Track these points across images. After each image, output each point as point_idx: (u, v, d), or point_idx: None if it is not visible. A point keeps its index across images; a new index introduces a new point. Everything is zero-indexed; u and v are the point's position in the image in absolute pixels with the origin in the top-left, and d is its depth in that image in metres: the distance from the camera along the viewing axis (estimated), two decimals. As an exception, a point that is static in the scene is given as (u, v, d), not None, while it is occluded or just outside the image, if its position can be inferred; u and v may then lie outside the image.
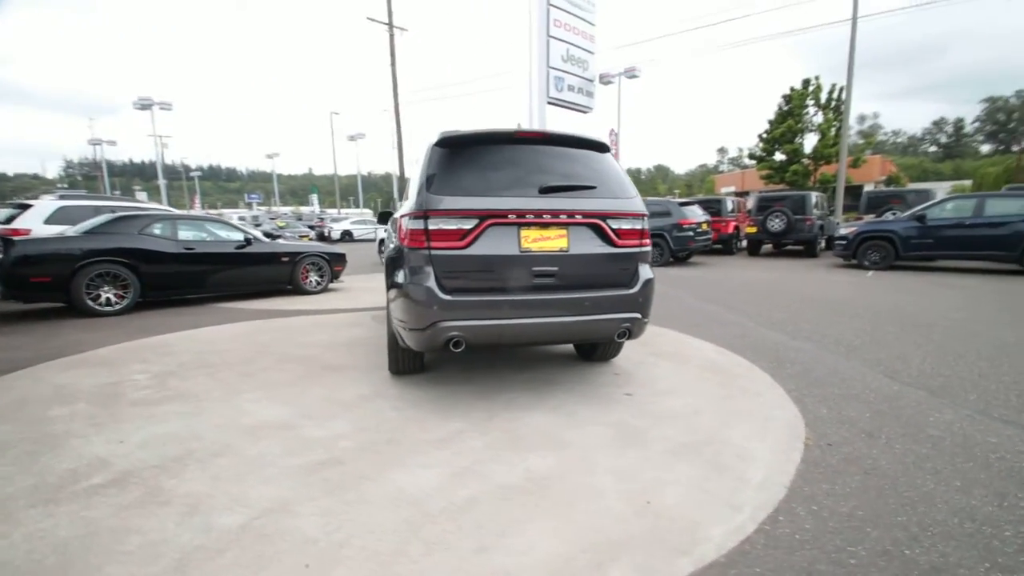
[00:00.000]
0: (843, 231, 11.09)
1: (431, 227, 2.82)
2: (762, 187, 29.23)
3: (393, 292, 3.14)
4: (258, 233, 8.45)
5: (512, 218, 2.86)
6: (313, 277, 8.48)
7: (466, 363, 3.95)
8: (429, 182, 2.90)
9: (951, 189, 31.88)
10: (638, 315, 3.10)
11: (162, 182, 34.34)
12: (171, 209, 12.06)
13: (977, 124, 67.33)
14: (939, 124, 78.23)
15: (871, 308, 6.26)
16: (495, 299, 2.85)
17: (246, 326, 5.68)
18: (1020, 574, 1.63)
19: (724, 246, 14.72)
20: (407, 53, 40.62)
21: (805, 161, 27.04)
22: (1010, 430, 2.70)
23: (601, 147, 3.28)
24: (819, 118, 27.15)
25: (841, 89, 26.77)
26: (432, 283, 2.82)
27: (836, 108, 26.65)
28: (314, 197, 37.07)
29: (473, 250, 2.85)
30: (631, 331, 3.12)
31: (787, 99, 28.14)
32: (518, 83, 16.12)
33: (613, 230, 3.04)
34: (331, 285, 8.89)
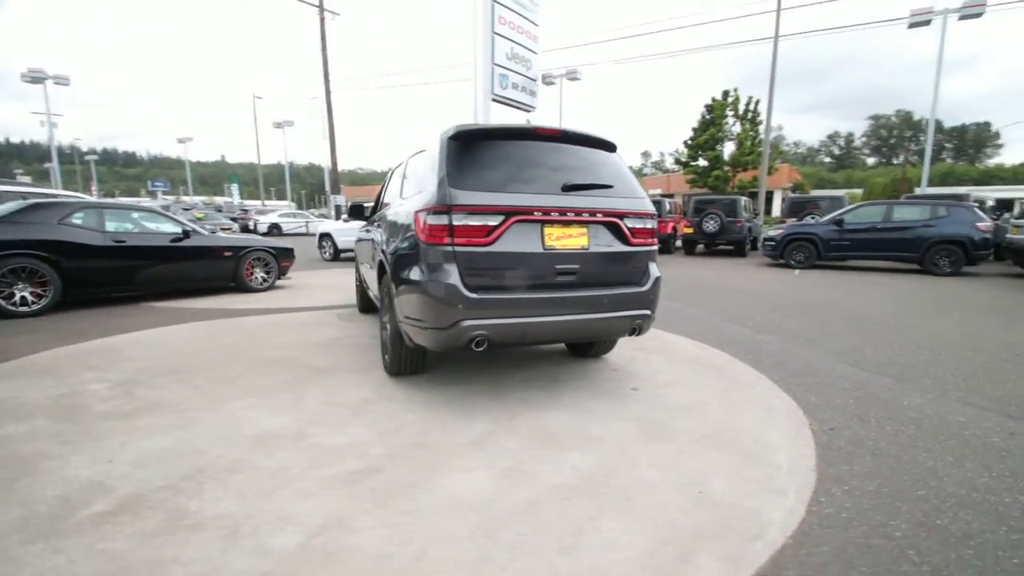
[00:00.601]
0: (771, 233, 12.05)
1: (456, 223, 2.73)
2: (687, 191, 31.09)
3: (404, 289, 3.00)
4: (195, 225, 7.74)
5: (538, 215, 2.84)
6: (259, 273, 7.90)
7: (458, 363, 3.87)
8: (450, 176, 2.80)
9: (847, 197, 35.60)
10: (648, 312, 3.19)
11: (55, 165, 30.30)
12: (84, 196, 10.78)
13: (864, 139, 75.63)
14: (832, 137, 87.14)
15: (811, 303, 6.87)
16: (519, 297, 2.82)
17: (199, 327, 5.19)
18: (1032, 535, 1.87)
19: (663, 246, 15.49)
20: (345, 39, 38.79)
21: (725, 168, 29.04)
22: (971, 410, 3.07)
23: (611, 147, 3.33)
24: (737, 128, 29.27)
25: (757, 102, 29.12)
26: (456, 280, 2.73)
27: (752, 119, 28.90)
28: (234, 187, 34.18)
29: (498, 247, 2.80)
30: (641, 328, 3.20)
31: (709, 109, 30.07)
32: (461, 79, 15.85)
33: (628, 229, 3.10)
34: (278, 282, 8.33)
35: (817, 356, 4.27)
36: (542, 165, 3.00)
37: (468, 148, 2.93)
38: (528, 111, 19.93)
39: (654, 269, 3.28)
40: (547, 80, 22.88)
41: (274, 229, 25.47)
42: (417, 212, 2.86)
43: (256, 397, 3.15)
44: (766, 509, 2.01)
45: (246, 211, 27.72)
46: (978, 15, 14.56)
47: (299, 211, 33.93)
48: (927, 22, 15.42)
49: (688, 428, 2.77)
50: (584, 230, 2.97)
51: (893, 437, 2.70)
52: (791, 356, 4.26)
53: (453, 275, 2.74)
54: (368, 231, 4.86)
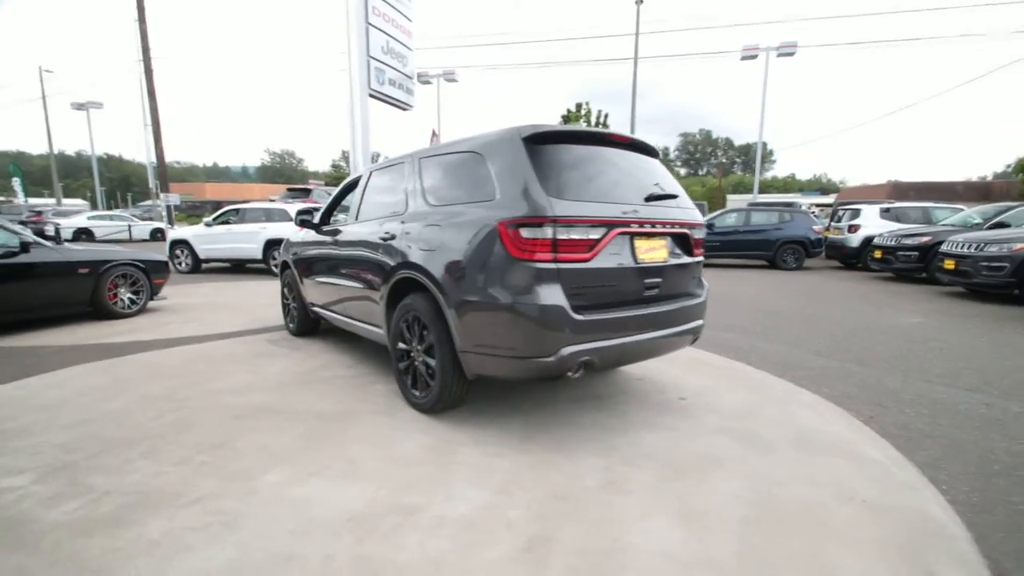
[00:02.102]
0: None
1: (560, 236, 2.41)
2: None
3: (479, 314, 2.56)
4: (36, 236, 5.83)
5: (634, 227, 2.65)
6: (125, 294, 6.24)
7: (477, 390, 3.48)
8: (542, 182, 2.46)
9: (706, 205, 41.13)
10: (703, 321, 3.21)
11: None
12: None
13: (677, 152, 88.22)
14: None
15: (720, 299, 7.69)
16: (619, 316, 2.60)
17: (93, 374, 3.88)
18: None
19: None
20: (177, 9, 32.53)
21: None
22: (940, 388, 3.68)
23: (657, 154, 3.26)
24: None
25: (606, 115, 32.04)
26: (563, 301, 2.41)
27: (603, 130, 31.66)
28: (16, 182, 26.10)
29: (597, 262, 2.54)
30: (698, 337, 3.22)
31: (565, 119, 32.19)
32: (335, 73, 14.91)
33: (693, 240, 3.08)
34: (151, 303, 6.69)
35: (785, 350, 4.76)
36: (616, 173, 2.82)
37: (543, 152, 2.61)
38: (405, 109, 19.14)
39: (704, 279, 3.33)
40: (423, 79, 22.17)
41: (82, 235, 20.41)
42: (504, 223, 2.45)
43: (288, 465, 2.42)
44: (921, 506, 2.13)
45: (39, 212, 21.64)
46: (791, 54, 18.43)
47: (116, 212, 27.81)
48: (754, 56, 18.85)
49: (776, 435, 2.83)
50: (664, 242, 2.87)
51: (923, 419, 3.10)
52: (765, 352, 4.68)
53: (557, 295, 2.42)
54: (335, 242, 4.12)
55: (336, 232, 4.23)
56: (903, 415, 3.16)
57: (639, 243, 2.72)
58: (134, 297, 6.32)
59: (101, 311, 5.98)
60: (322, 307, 4.58)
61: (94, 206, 36.79)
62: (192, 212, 35.83)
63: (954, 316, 6.34)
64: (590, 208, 2.52)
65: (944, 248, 7.92)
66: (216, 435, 2.75)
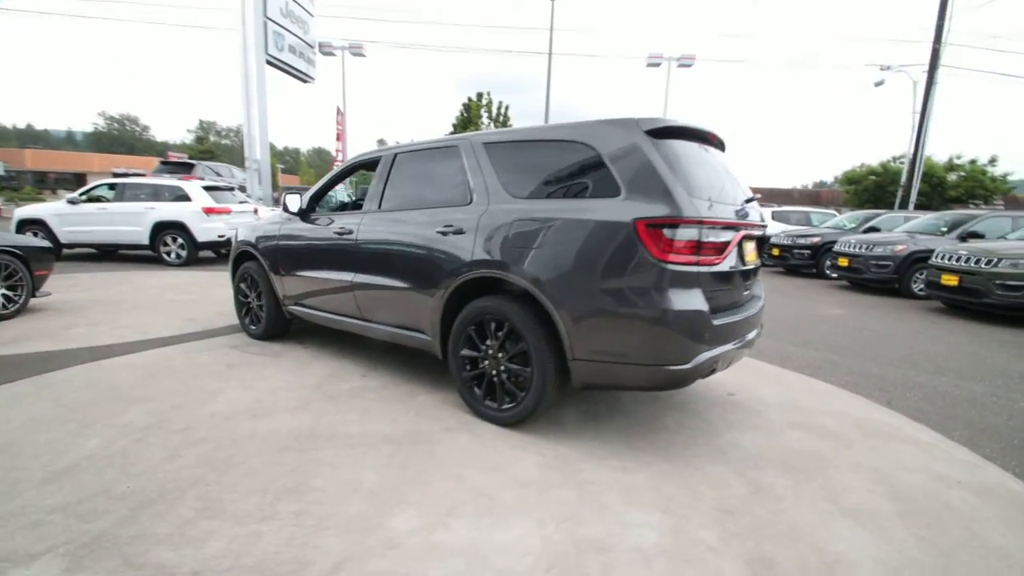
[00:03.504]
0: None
1: (705, 239, 2.30)
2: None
3: (607, 319, 2.35)
4: None
5: (743, 230, 2.63)
6: (-3, 291, 4.82)
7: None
8: (678, 181, 2.33)
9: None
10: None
11: None
12: None
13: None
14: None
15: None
16: (733, 320, 2.56)
17: (20, 404, 2.91)
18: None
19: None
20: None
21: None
22: (927, 376, 4.26)
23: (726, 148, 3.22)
24: (492, 128, 31.87)
25: (507, 107, 32.32)
26: (705, 306, 2.31)
27: (504, 123, 31.91)
28: None
29: (723, 266, 2.48)
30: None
31: (467, 107, 31.89)
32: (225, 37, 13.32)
33: (763, 242, 3.16)
34: (33, 300, 5.25)
35: (768, 343, 5.17)
36: (715, 171, 2.76)
37: (662, 146, 2.46)
38: (306, 81, 17.49)
39: None
40: (326, 51, 20.17)
41: None
42: (643, 222, 2.26)
43: (406, 505, 2.01)
44: (1003, 482, 2.42)
45: None
46: (690, 65, 20.20)
47: None
48: (658, 64, 20.33)
49: (835, 425, 3.04)
50: (754, 244, 2.89)
51: (928, 403, 3.54)
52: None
53: (700, 300, 2.31)
54: (343, 232, 3.54)
55: (334, 220, 3.67)
56: (909, 400, 3.59)
57: (746, 245, 2.71)
58: (10, 294, 4.90)
59: (-39, 313, 4.55)
60: (311, 307, 3.94)
61: None
62: (6, 185, 29.07)
63: (861, 307, 7.44)
64: (720, 209, 2.44)
65: (837, 248, 9.24)
66: (276, 474, 2.20)
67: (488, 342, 2.79)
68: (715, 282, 2.45)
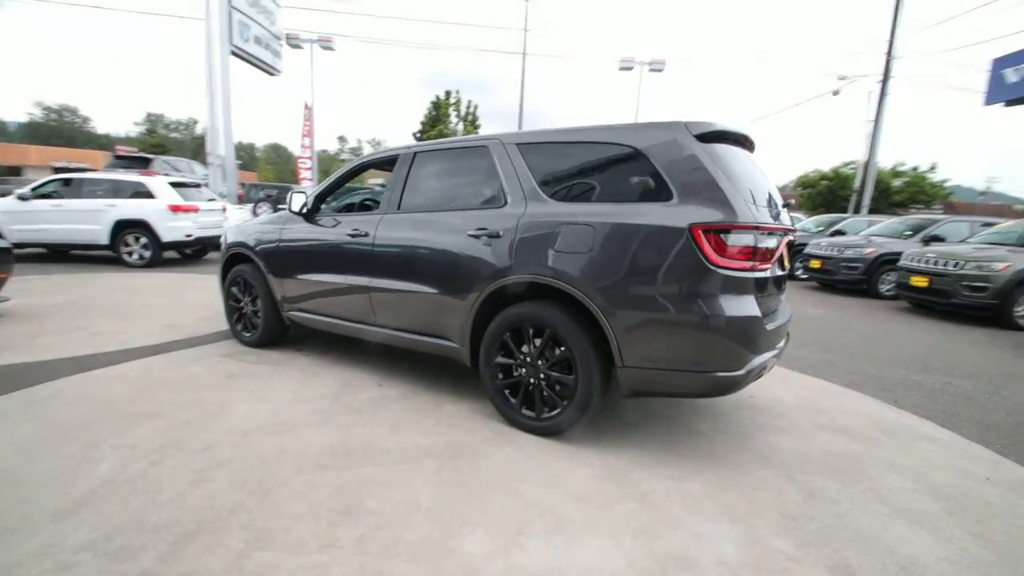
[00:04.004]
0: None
1: (759, 244, 2.30)
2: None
3: (663, 326, 2.32)
4: None
5: (788, 236, 2.65)
6: (-52, 296, 4.37)
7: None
8: (732, 185, 2.32)
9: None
10: None
11: None
12: None
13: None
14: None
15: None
16: (773, 327, 2.57)
17: (2, 424, 2.61)
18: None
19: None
20: None
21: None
22: (920, 374, 4.45)
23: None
24: (461, 128, 31.62)
25: (476, 106, 32.14)
26: (759, 313, 2.31)
27: (472, 121, 31.73)
28: None
29: (770, 271, 2.49)
30: None
31: (435, 105, 31.54)
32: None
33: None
34: (-9, 309, 4.80)
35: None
36: (756, 176, 2.76)
37: (711, 151, 2.45)
38: (272, 74, 16.84)
39: None
40: (293, 43, 19.37)
41: None
42: (700, 228, 2.24)
43: (473, 526, 1.91)
44: (1032, 480, 2.54)
45: None
46: (661, 70, 20.67)
47: None
48: (631, 68, 20.71)
49: (856, 426, 3.12)
50: (786, 250, 2.92)
51: (930, 401, 3.70)
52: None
53: (755, 306, 2.31)
54: (357, 234, 3.37)
55: (340, 222, 3.54)
56: (912, 398, 3.73)
57: (784, 251, 2.73)
58: (-36, 300, 4.45)
59: (-91, 321, 4.09)
60: (317, 313, 3.74)
61: None
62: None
63: (838, 307, 7.75)
64: (766, 213, 2.45)
65: (809, 250, 9.62)
66: (321, 496, 2.06)
67: (525, 349, 2.71)
68: (762, 288, 2.46)
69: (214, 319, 4.87)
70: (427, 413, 2.97)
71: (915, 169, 26.42)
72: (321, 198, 3.85)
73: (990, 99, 15.49)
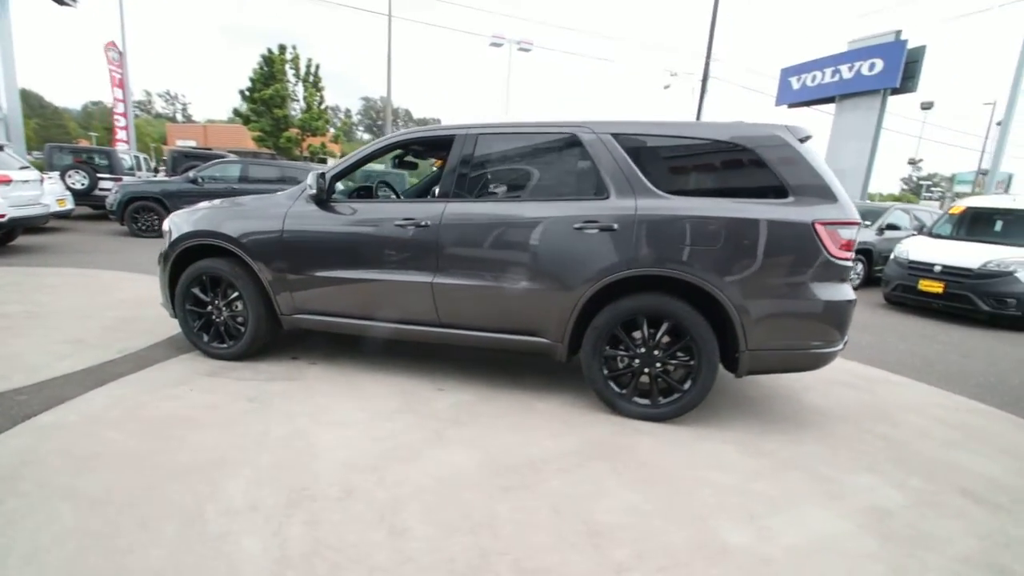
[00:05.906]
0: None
1: (855, 237, 2.68)
2: (253, 148, 28.08)
3: (792, 311, 2.60)
4: None
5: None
6: None
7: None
8: (837, 184, 2.66)
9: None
10: None
11: None
12: None
13: (359, 116, 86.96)
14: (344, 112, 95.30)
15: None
16: None
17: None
18: None
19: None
20: None
21: (294, 130, 27.75)
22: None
23: None
24: (301, 89, 28.28)
25: (318, 66, 28.90)
26: (855, 296, 2.72)
27: (315, 83, 28.57)
28: None
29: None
30: None
31: (268, 61, 27.59)
32: None
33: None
34: None
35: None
36: None
37: (810, 153, 2.75)
38: (68, 5, 13.02)
39: None
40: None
41: None
42: (822, 223, 2.53)
43: (701, 520, 1.96)
44: None
45: None
46: (528, 50, 21.08)
47: None
48: (500, 44, 20.66)
49: (955, 420, 3.87)
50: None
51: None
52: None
53: (851, 290, 2.71)
54: (406, 222, 2.98)
55: (357, 209, 3.17)
56: (968, 390, 4.70)
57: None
58: None
59: None
60: (342, 316, 3.20)
61: None
62: None
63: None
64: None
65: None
66: (545, 518, 1.89)
67: (637, 338, 2.77)
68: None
69: (125, 327, 3.83)
70: (531, 414, 2.84)
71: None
72: (336, 180, 3.26)
73: (779, 101, 19.36)
